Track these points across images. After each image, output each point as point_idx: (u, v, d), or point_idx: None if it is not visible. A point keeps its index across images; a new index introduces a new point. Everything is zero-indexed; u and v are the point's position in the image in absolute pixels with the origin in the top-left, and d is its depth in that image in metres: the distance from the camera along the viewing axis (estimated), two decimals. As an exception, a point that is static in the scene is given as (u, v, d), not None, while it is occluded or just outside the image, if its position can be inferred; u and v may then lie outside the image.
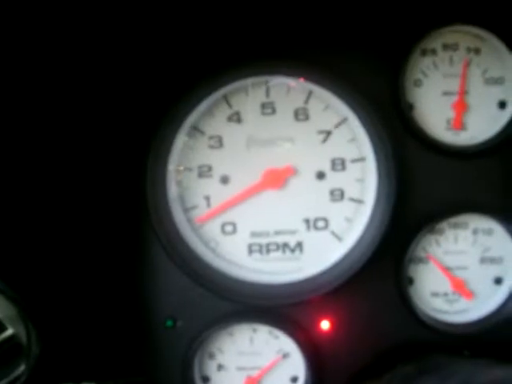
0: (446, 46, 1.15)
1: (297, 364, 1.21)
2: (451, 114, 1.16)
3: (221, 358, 1.23)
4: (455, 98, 1.16)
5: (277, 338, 1.21)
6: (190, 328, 1.18)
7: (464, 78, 1.15)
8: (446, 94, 1.15)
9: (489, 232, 1.20)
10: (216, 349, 1.22)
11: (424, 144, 1.14)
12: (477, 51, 1.16)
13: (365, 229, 1.14)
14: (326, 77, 1.10)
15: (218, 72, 1.10)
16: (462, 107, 1.15)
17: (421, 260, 1.20)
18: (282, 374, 1.23)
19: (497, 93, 1.17)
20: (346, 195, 1.16)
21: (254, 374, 1.22)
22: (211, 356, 1.22)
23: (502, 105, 1.17)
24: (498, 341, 1.21)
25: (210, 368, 1.23)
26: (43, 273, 1.08)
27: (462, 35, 1.15)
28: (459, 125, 1.14)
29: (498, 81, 1.16)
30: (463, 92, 1.15)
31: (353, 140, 1.15)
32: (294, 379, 1.23)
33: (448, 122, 1.16)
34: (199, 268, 1.16)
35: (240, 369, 1.22)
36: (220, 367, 1.23)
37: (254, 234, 1.17)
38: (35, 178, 1.05)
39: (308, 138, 1.15)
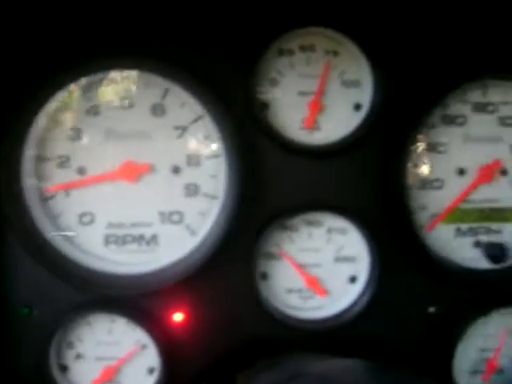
0: (303, 47, 1.25)
1: (153, 355, 1.29)
2: (306, 113, 1.24)
3: (80, 348, 1.32)
4: (311, 98, 1.23)
5: (134, 329, 1.30)
6: (47, 317, 1.27)
7: (324, 78, 1.23)
8: (301, 94, 1.25)
9: (343, 231, 1.31)
10: (75, 338, 1.32)
11: (277, 143, 1.24)
12: (335, 53, 1.26)
13: (215, 222, 1.22)
14: (181, 75, 1.18)
15: (76, 63, 1.19)
16: (316, 107, 1.24)
17: (274, 256, 1.30)
18: (140, 364, 1.33)
19: (353, 95, 1.27)
20: (201, 190, 1.26)
21: (112, 363, 1.30)
22: (70, 345, 1.32)
23: (358, 107, 1.25)
24: (351, 337, 1.29)
25: (69, 357, 1.31)
26: None
27: (320, 37, 1.25)
28: (311, 124, 1.24)
29: (354, 83, 1.26)
30: (320, 92, 1.23)
31: (208, 137, 1.25)
32: (151, 370, 1.32)
33: (303, 121, 1.24)
34: (55, 258, 1.25)
35: (98, 358, 1.31)
36: (78, 356, 1.32)
37: (110, 226, 1.27)
38: None
39: (164, 133, 1.24)
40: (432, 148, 1.32)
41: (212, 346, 1.31)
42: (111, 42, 1.21)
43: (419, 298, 1.34)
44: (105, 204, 1.27)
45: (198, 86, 1.19)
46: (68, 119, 1.25)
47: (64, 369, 1.33)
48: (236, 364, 1.30)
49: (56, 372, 1.32)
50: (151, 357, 1.32)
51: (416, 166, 1.32)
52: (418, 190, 1.32)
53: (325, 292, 1.31)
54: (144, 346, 1.32)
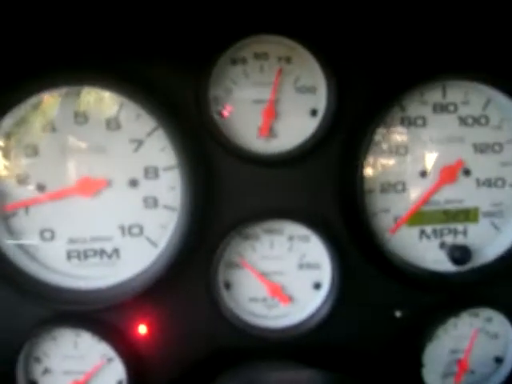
0: (256, 55, 1.25)
1: (121, 368, 1.30)
2: (261, 122, 1.24)
3: (47, 362, 1.34)
4: (265, 106, 1.23)
5: (100, 342, 1.30)
6: (13, 333, 1.27)
7: (276, 85, 1.23)
8: (256, 102, 1.26)
9: (305, 239, 1.32)
10: (41, 353, 1.33)
11: (232, 152, 1.24)
12: (288, 60, 1.26)
13: (174, 233, 1.24)
14: (131, 89, 1.18)
15: (28, 80, 1.19)
16: (270, 115, 1.24)
17: (236, 265, 1.31)
18: (108, 378, 1.34)
19: (309, 101, 1.27)
20: (160, 202, 1.27)
21: (80, 378, 1.31)
22: (37, 360, 1.33)
23: (314, 113, 1.25)
24: (317, 344, 1.29)
25: (37, 372, 1.33)
26: None
27: (272, 44, 1.25)
28: (266, 132, 1.25)
29: (309, 89, 1.26)
30: (274, 100, 1.23)
31: (164, 149, 1.26)
32: (120, 383, 1.31)
33: (259, 130, 1.24)
34: (17, 276, 1.25)
35: (66, 373, 1.33)
36: (46, 371, 1.33)
37: (71, 241, 1.28)
38: None
39: (120, 146, 1.25)
40: (392, 150, 1.32)
41: (178, 358, 1.32)
42: (63, 58, 1.21)
43: (385, 303, 1.34)
44: (65, 220, 1.28)
45: (149, 99, 1.19)
46: (24, 136, 1.24)
47: (33, 384, 1.33)
48: (203, 374, 1.30)
49: (25, 387, 1.32)
50: (119, 370, 1.32)
51: (377, 169, 1.30)
52: (380, 194, 1.32)
53: (288, 299, 1.31)
54: (110, 360, 1.33)
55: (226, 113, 1.24)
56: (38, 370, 1.34)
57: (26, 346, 1.29)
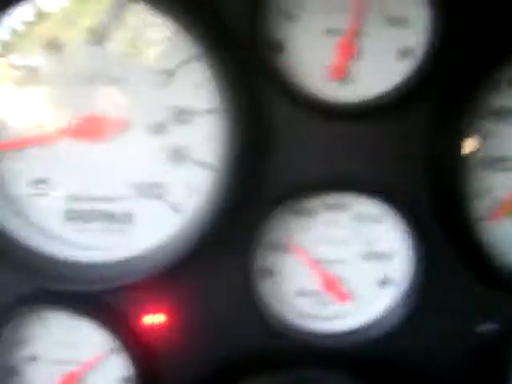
0: (333, -30, 0.92)
1: (124, 363, 1.05)
2: (334, 59, 0.96)
3: (33, 348, 1.09)
4: (341, 39, 0.94)
5: (102, 329, 1.05)
6: None
7: (358, 11, 0.93)
8: (329, 32, 0.96)
9: (376, 219, 1.03)
10: (27, 336, 1.07)
11: (293, 97, 0.95)
12: (376, -22, 0.93)
13: (206, 198, 0.96)
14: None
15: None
16: (348, 51, 0.95)
17: (283, 248, 1.04)
18: (108, 372, 1.08)
19: (398, 37, 0.96)
20: (190, 156, 0.99)
21: (76, 368, 1.08)
22: (21, 345, 1.08)
23: (404, 53, 0.96)
24: (378, 358, 1.02)
25: (19, 358, 1.09)
26: None
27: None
28: (341, 73, 0.96)
29: (400, 21, 0.95)
30: (354, 31, 0.94)
31: (201, 86, 0.95)
32: (124, 379, 1.08)
33: (329, 69, 0.97)
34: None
35: (57, 362, 1.08)
36: (31, 358, 1.09)
37: (72, 198, 1.01)
38: None
39: (144, 78, 0.96)
40: (501, 116, 1.00)
41: (199, 357, 1.07)
42: None
43: (471, 312, 1.05)
44: (64, 171, 1.01)
45: (189, 15, 0.89)
46: (19, 55, 0.96)
47: (14, 372, 1.10)
48: (231, 379, 1.05)
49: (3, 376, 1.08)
50: (122, 364, 1.06)
51: (480, 138, 0.99)
52: (481, 171, 1.01)
53: (348, 296, 1.05)
54: (114, 351, 1.07)
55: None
56: (21, 356, 1.08)
57: (7, 327, 1.04)
